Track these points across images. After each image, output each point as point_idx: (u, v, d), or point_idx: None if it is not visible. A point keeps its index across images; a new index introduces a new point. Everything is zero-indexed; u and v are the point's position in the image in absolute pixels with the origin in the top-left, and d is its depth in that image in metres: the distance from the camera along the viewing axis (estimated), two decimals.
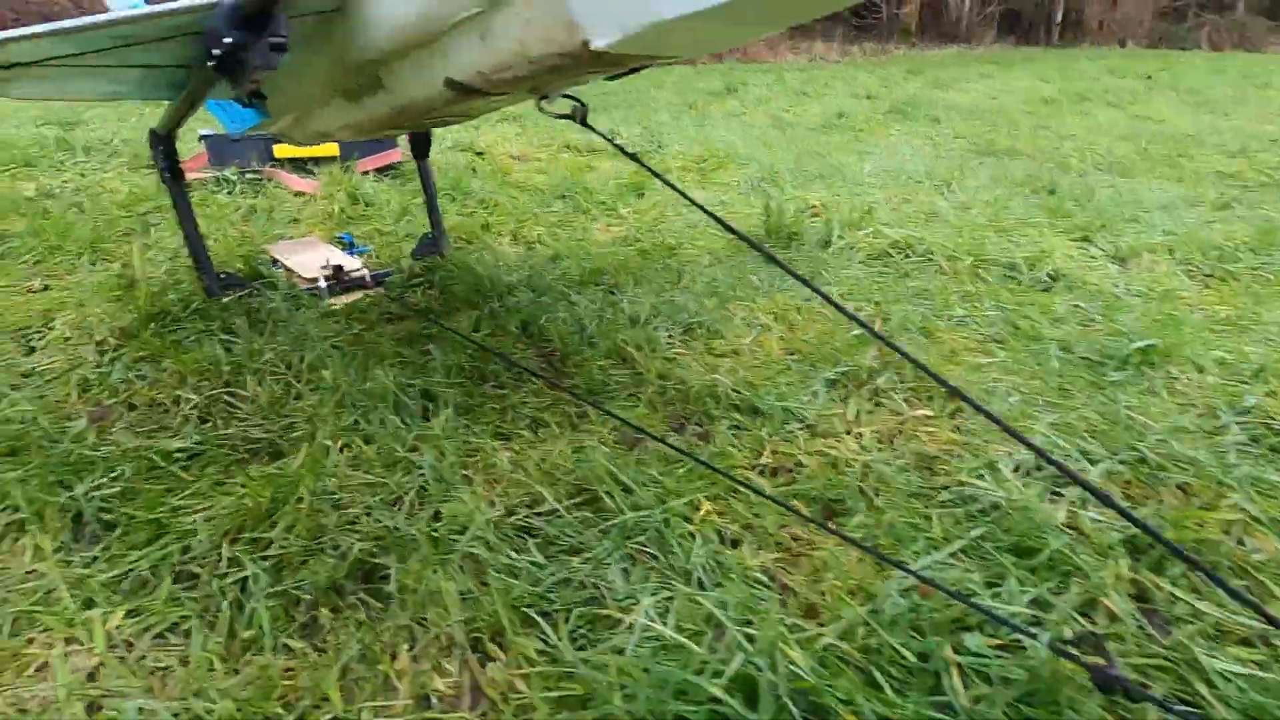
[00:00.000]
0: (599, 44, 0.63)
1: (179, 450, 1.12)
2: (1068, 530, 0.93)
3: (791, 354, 1.48)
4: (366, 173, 2.99)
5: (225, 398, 1.28)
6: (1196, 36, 24.75)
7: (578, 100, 0.84)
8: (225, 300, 1.63)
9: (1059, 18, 20.96)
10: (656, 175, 0.86)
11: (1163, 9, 25.18)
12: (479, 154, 3.64)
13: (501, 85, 0.80)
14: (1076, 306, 1.71)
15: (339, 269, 1.87)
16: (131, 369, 1.38)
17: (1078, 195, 2.72)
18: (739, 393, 1.28)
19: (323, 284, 1.82)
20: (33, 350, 1.51)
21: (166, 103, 1.44)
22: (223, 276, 1.70)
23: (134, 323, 1.54)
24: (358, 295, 1.79)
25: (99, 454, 1.10)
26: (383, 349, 1.44)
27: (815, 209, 2.58)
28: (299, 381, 1.33)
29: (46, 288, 1.84)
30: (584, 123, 0.81)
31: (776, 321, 1.63)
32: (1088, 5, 22.14)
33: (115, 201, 2.47)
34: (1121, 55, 14.20)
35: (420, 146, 1.92)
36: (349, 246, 2.12)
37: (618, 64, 0.70)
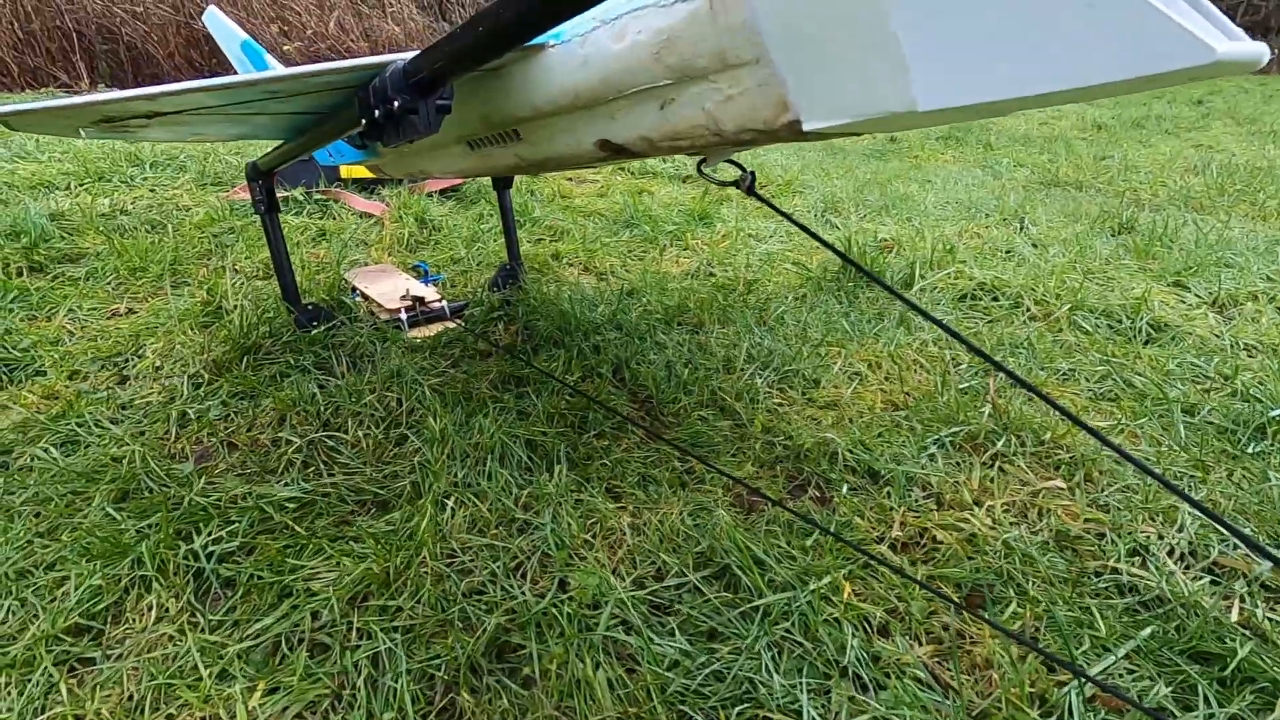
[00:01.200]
0: (812, 126, 0.59)
1: (289, 500, 1.09)
2: (1245, 631, 0.86)
3: (896, 408, 1.43)
4: (431, 194, 3.00)
5: (326, 441, 1.26)
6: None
7: (742, 167, 0.81)
8: (314, 333, 1.62)
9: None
10: (806, 230, 0.82)
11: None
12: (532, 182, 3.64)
13: (666, 150, 0.77)
14: (1188, 362, 1.63)
15: (419, 300, 1.86)
16: (229, 405, 1.37)
17: (1159, 234, 2.63)
18: (853, 453, 1.23)
19: (404, 316, 1.81)
20: (125, 380, 1.51)
21: (278, 141, 1.44)
22: (309, 308, 1.70)
23: (226, 354, 1.54)
24: (438, 328, 1.77)
25: (210, 501, 1.08)
26: (480, 391, 1.42)
27: (888, 244, 2.52)
28: (399, 425, 1.30)
29: (131, 311, 1.85)
30: (751, 192, 0.77)
31: (872, 370, 1.58)
32: None
33: (192, 221, 2.49)
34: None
35: (503, 178, 1.90)
36: (424, 275, 2.11)
37: (806, 138, 0.66)
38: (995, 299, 2.02)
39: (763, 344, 1.66)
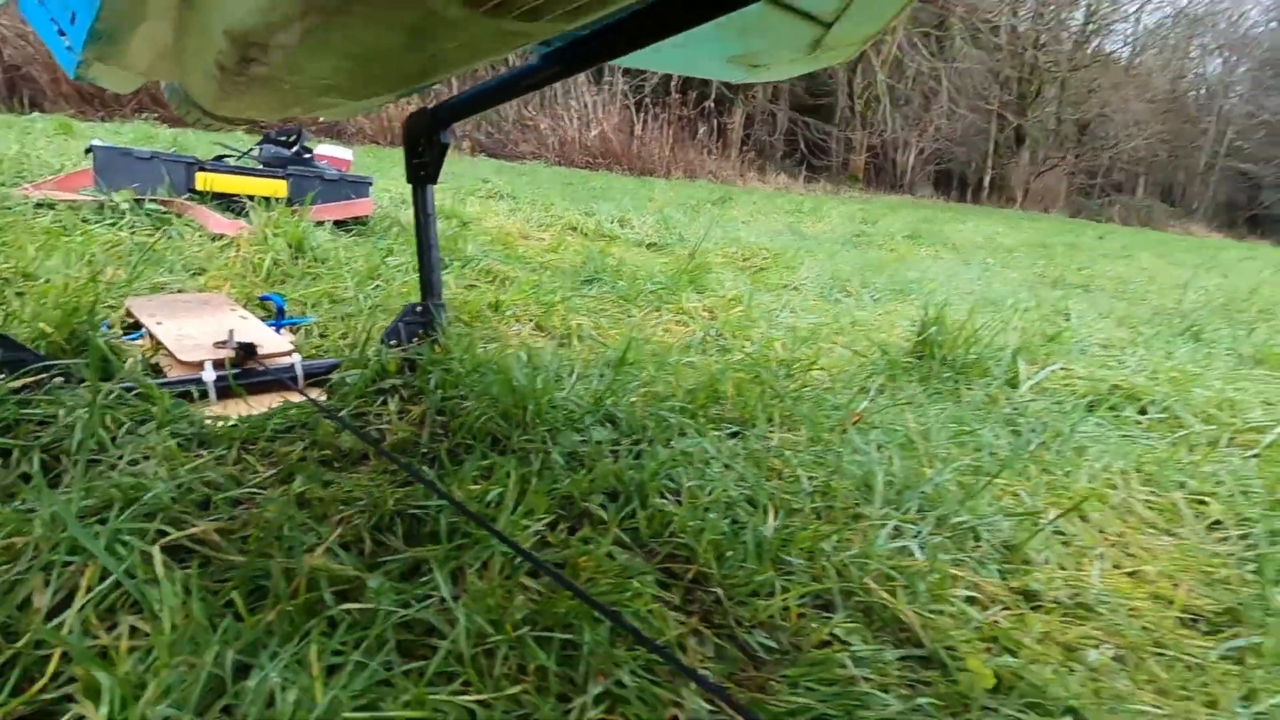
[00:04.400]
0: None
1: None
2: None
3: (1196, 620, 0.71)
4: (322, 222, 2.18)
5: None
6: (1109, 212, 27.56)
7: None
8: None
9: (986, 181, 23.21)
10: None
11: (1076, 185, 28.15)
12: (465, 223, 2.90)
13: None
14: None
15: (247, 350, 1.03)
16: None
17: (1248, 342, 2.15)
18: None
19: (209, 375, 0.97)
20: None
21: None
22: None
23: None
24: (272, 402, 0.94)
25: None
26: (315, 563, 0.59)
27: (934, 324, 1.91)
28: (41, 678, 0.45)
29: None
30: None
31: (1083, 527, 0.86)
32: (1012, 173, 24.53)
33: None
34: (1052, 220, 15.12)
35: (425, 159, 1.15)
36: (277, 314, 1.28)
37: None
38: (1141, 411, 1.39)
39: (870, 462, 0.92)
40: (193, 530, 0.59)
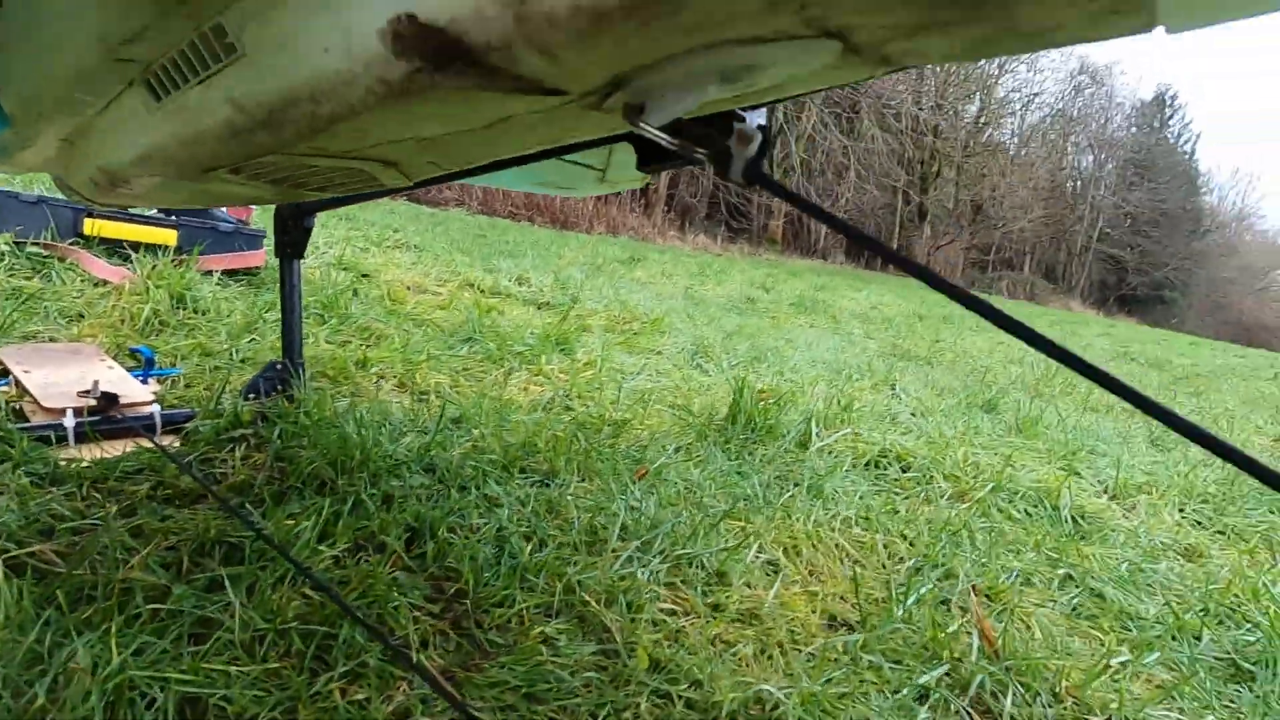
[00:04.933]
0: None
1: None
2: None
3: (839, 625, 0.96)
4: (210, 272, 2.30)
5: None
6: (998, 286, 30.24)
7: (717, 128, 0.36)
8: None
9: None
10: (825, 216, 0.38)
11: (971, 259, 30.84)
12: (365, 275, 3.05)
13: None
14: (1138, 565, 1.35)
15: (110, 398, 1.17)
16: None
17: (1022, 415, 2.57)
18: None
19: (70, 421, 1.10)
20: None
21: None
22: None
23: None
24: (127, 447, 1.08)
25: None
26: (133, 577, 0.75)
27: (764, 393, 2.21)
28: None
29: None
30: (760, 178, 0.32)
31: (790, 558, 1.12)
32: (915, 246, 26.77)
33: None
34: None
35: (293, 238, 1.34)
36: (145, 365, 1.41)
37: None
38: (904, 469, 1.70)
39: (642, 510, 1.15)
40: (33, 549, 0.75)
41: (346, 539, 0.91)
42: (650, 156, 0.66)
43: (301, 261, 1.40)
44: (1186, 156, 38.23)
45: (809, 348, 3.47)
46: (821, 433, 1.80)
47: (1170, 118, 37.68)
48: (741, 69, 0.29)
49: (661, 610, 0.91)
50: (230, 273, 2.43)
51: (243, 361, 1.58)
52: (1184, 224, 36.45)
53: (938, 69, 24.50)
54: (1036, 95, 30.02)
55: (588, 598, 0.88)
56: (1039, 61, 28.30)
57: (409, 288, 3.11)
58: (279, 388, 1.36)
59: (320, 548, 0.88)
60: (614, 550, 1.01)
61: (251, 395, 1.33)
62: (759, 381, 2.41)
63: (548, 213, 12.69)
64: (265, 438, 1.17)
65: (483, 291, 3.40)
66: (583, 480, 1.27)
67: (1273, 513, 1.93)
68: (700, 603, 0.94)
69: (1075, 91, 32.30)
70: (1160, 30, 0.26)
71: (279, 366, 1.37)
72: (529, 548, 0.96)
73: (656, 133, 0.33)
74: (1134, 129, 36.84)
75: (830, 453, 1.74)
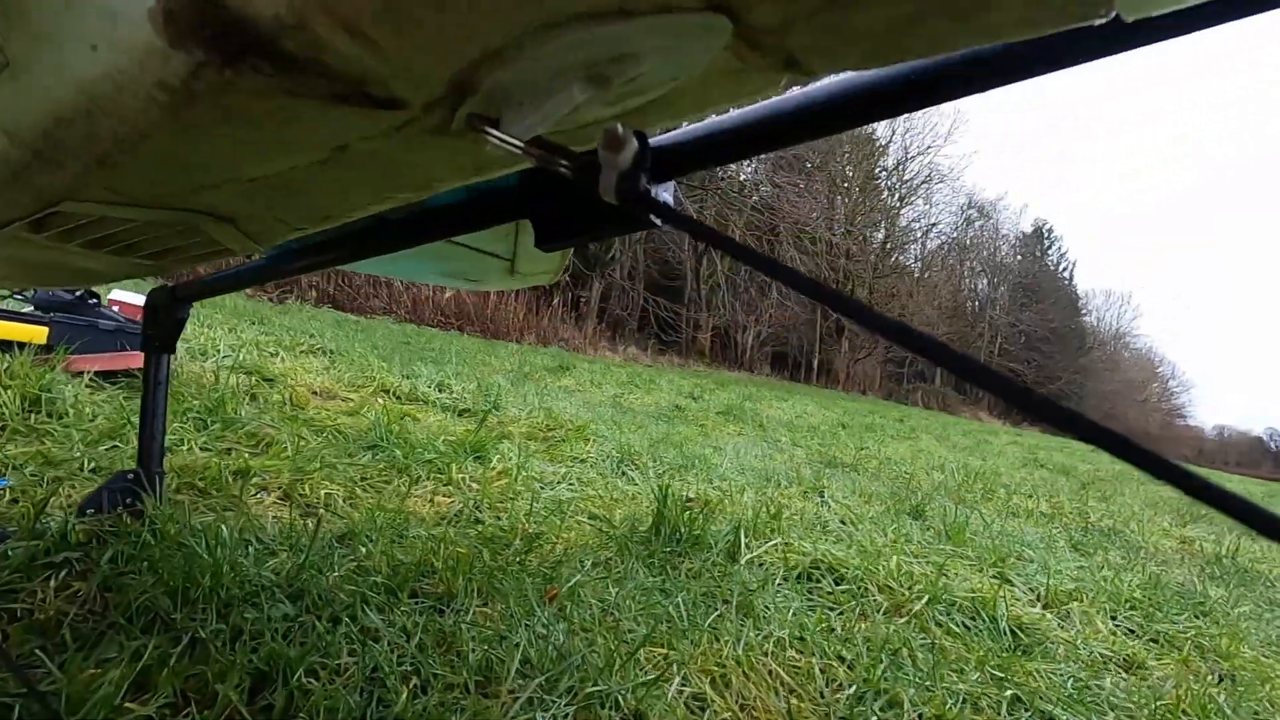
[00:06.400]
0: None
1: None
2: None
3: None
4: (81, 373, 2.07)
5: None
6: (914, 396, 31.89)
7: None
8: None
9: (815, 363, 26.63)
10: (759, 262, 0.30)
11: (888, 372, 32.61)
12: (267, 380, 2.84)
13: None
14: (1083, 684, 1.27)
15: None
16: None
17: (949, 522, 2.55)
18: None
19: None
20: None
21: None
22: None
23: None
24: None
25: None
26: None
27: (692, 502, 2.10)
28: None
29: None
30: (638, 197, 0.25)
31: (720, 693, 0.98)
32: (835, 358, 28.21)
33: None
34: (866, 400, 17.19)
35: (162, 330, 1.19)
36: None
37: None
38: (837, 581, 1.60)
39: (550, 639, 1.00)
40: None
41: (168, 691, 0.73)
42: (551, 232, 0.60)
43: (172, 357, 1.25)
44: (1066, 281, 42.60)
45: (737, 455, 3.42)
46: (751, 543, 1.70)
47: (1049, 248, 42.25)
48: (611, 62, 0.23)
49: None
50: (107, 374, 2.20)
51: (93, 472, 1.37)
52: (1071, 341, 40.12)
53: (846, 198, 26.87)
54: (934, 225, 33.23)
55: None
56: (934, 196, 31.58)
57: (316, 393, 2.91)
58: (128, 502, 1.16)
59: (129, 705, 0.69)
60: (511, 691, 0.86)
61: (91, 510, 1.13)
62: (687, 489, 2.31)
63: (478, 322, 12.64)
64: (95, 561, 0.98)
65: (399, 398, 3.22)
66: (484, 604, 1.11)
67: (1197, 617, 1.93)
68: None
69: (967, 223, 35.98)
70: (1115, 15, 0.21)
71: (130, 477, 1.18)
72: (406, 693, 0.80)
73: (506, 139, 0.27)
74: (1019, 256, 41.05)
75: (760, 564, 1.63)
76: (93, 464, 1.40)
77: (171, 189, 0.40)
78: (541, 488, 1.99)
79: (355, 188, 0.39)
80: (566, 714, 0.83)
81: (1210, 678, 1.50)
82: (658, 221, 0.59)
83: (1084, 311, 44.26)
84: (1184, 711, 1.17)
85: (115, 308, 2.64)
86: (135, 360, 2.25)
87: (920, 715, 1.01)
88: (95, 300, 2.56)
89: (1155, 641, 1.70)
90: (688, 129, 0.57)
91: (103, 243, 0.54)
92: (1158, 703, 1.21)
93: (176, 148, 0.34)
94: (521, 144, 0.27)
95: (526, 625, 1.05)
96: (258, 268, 1.00)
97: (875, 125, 28.71)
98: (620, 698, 0.89)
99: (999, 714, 1.09)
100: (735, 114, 0.54)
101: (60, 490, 1.25)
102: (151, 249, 0.56)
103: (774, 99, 0.53)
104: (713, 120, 0.55)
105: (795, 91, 0.52)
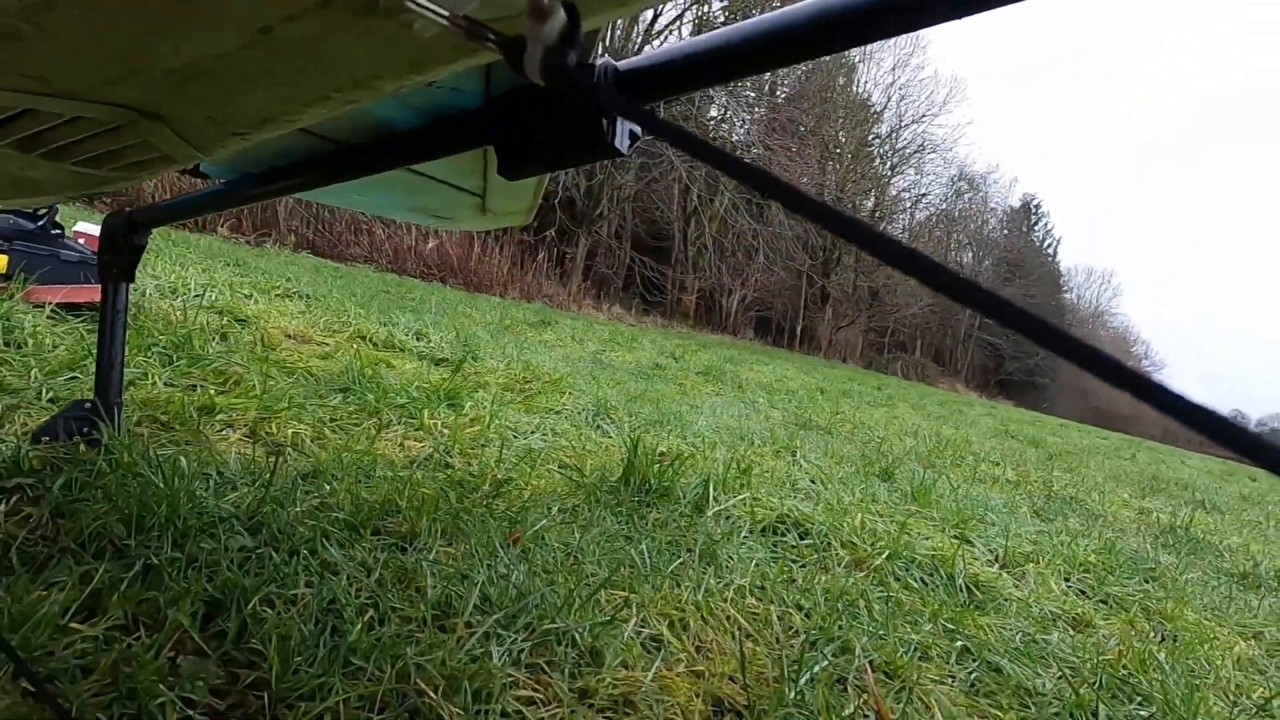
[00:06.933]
0: None
1: None
2: None
3: (723, 710, 0.84)
4: (42, 305, 2.01)
5: None
6: (894, 366, 32.22)
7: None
8: None
9: (799, 330, 26.80)
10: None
11: (869, 341, 32.87)
12: (240, 320, 2.79)
13: None
14: (1032, 637, 1.31)
15: None
16: None
17: (916, 484, 2.60)
18: None
19: None
20: None
21: None
22: None
23: None
24: None
25: None
26: None
27: (664, 455, 2.12)
28: None
29: None
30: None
31: (676, 634, 1.00)
32: (819, 325, 28.35)
33: None
34: (846, 368, 17.35)
35: (121, 257, 1.15)
36: None
37: None
38: (802, 536, 1.63)
39: (510, 579, 1.01)
40: None
41: (118, 614, 0.72)
42: (514, 155, 0.58)
43: (131, 285, 1.21)
44: (1050, 258, 42.90)
45: (714, 414, 3.44)
46: (719, 496, 1.72)
47: (1036, 224, 42.40)
48: None
49: (517, 699, 0.76)
50: (71, 306, 2.14)
51: (51, 401, 1.34)
52: (1050, 318, 40.51)
53: (837, 164, 26.60)
54: (924, 195, 33.11)
55: (424, 685, 0.72)
56: (926, 166, 31.38)
57: (290, 336, 2.86)
58: (84, 430, 1.14)
59: (76, 625, 0.69)
60: (469, 625, 0.86)
61: (45, 438, 1.10)
62: (661, 444, 2.32)
63: (461, 274, 12.46)
64: (47, 489, 0.96)
65: (375, 344, 3.18)
66: (448, 544, 1.11)
67: (1147, 582, 1.99)
68: (565, 688, 0.80)
69: (956, 195, 35.87)
70: None
71: (87, 406, 1.16)
72: (361, 624, 0.80)
73: (428, 6, 0.25)
74: (1006, 231, 41.18)
75: (727, 517, 1.65)
76: (50, 394, 1.37)
77: (88, 78, 0.37)
78: (514, 436, 1.99)
79: (288, 82, 0.36)
80: (523, 649, 0.84)
81: (1153, 637, 1.56)
82: (622, 149, 0.57)
83: (1065, 289, 44.75)
84: (1124, 666, 1.21)
85: (80, 240, 2.56)
86: (95, 294, 2.19)
87: (870, 661, 1.04)
88: (59, 231, 2.47)
89: (1104, 603, 1.76)
90: (660, 50, 0.55)
91: (34, 143, 0.51)
92: (1100, 657, 1.25)
93: (84, 20, 0.31)
94: (446, 14, 0.25)
95: (488, 565, 1.05)
96: (217, 193, 0.97)
97: (870, 90, 28.18)
98: (577, 635, 0.90)
99: (948, 663, 1.13)
100: (711, 35, 0.52)
101: (15, 418, 1.22)
102: (86, 152, 0.53)
103: (749, 21, 0.50)
104: (687, 42, 0.52)
105: (774, 13, 0.49)
